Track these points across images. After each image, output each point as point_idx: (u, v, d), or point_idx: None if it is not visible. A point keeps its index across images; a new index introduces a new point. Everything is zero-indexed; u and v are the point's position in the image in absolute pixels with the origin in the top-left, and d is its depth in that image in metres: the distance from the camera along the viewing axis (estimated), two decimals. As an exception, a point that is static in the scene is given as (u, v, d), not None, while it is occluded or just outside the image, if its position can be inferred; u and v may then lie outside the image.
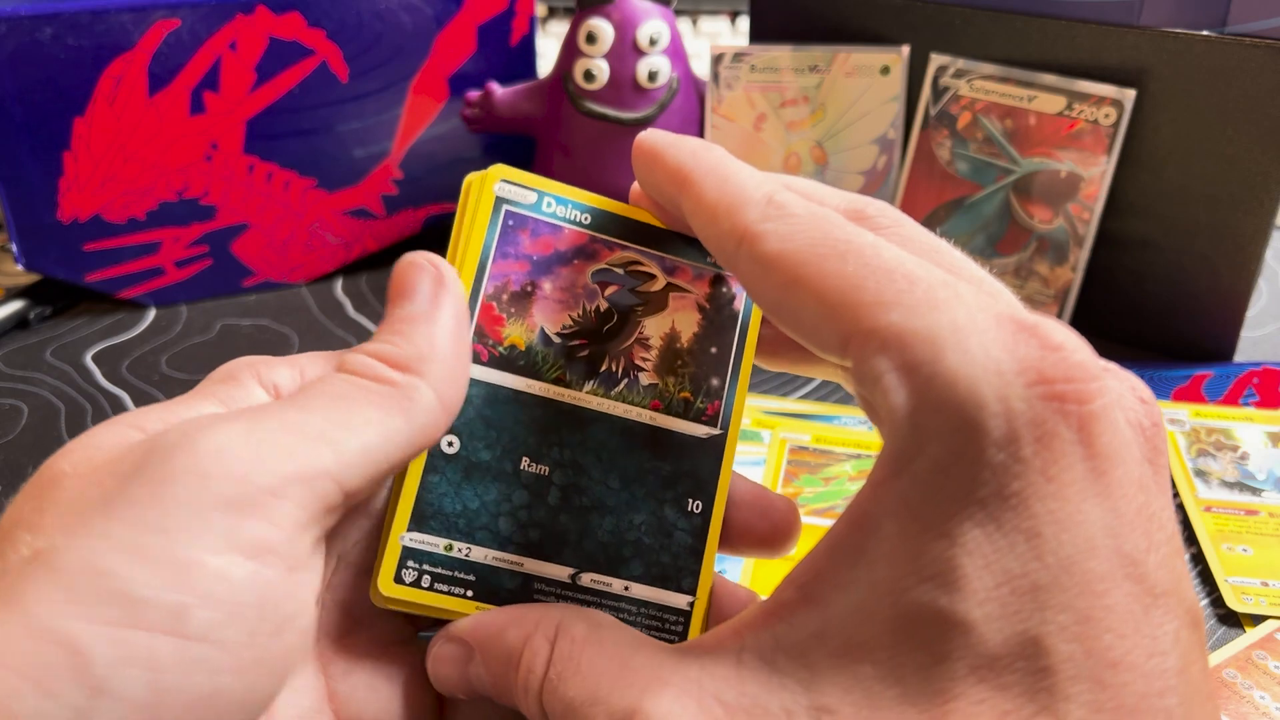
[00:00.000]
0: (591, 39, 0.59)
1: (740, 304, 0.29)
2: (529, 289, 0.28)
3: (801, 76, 0.59)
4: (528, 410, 0.27)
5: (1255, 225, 0.52)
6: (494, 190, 0.27)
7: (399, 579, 0.26)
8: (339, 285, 0.62)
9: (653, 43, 0.59)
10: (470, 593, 0.26)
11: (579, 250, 0.28)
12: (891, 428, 0.20)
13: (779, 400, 0.52)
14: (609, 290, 0.28)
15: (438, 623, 0.27)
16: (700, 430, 0.28)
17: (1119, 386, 0.21)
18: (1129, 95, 0.52)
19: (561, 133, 0.61)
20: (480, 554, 0.26)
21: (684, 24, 0.90)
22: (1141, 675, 0.19)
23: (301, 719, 0.25)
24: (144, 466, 0.21)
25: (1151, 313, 0.56)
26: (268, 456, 0.22)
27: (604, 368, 0.28)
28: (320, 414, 0.23)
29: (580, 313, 0.28)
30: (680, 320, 0.28)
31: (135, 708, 0.19)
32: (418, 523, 0.26)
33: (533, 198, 0.28)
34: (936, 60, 0.56)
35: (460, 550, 0.26)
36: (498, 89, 0.62)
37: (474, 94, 0.62)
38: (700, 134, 0.61)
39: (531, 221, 0.28)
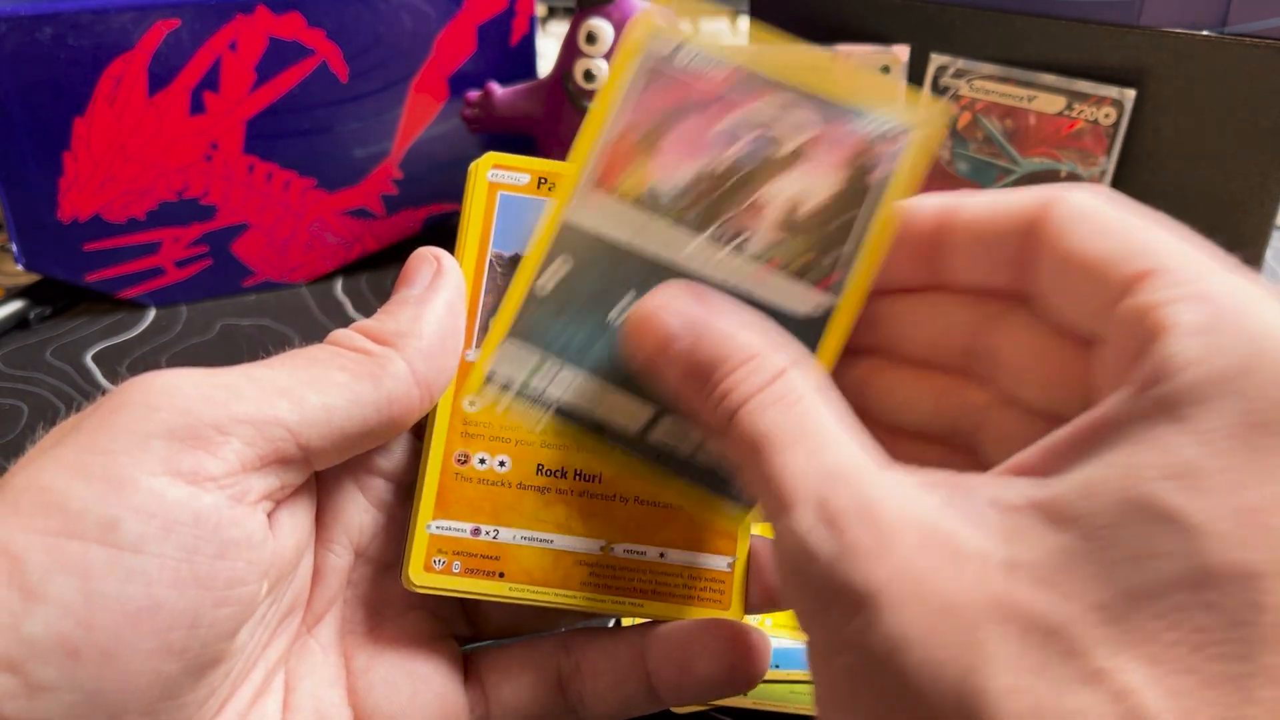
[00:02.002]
0: (591, 39, 0.59)
1: (877, 175, 0.26)
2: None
3: (801, 76, 0.58)
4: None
5: (1255, 225, 0.52)
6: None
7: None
8: (339, 285, 0.62)
9: (653, 43, 0.59)
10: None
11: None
12: (1164, 344, 0.19)
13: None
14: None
15: (475, 631, 0.28)
16: (808, 302, 0.26)
17: None
18: (1129, 95, 0.52)
19: (561, 132, 0.61)
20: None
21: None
22: None
23: (319, 711, 0.26)
24: (102, 403, 0.22)
25: (1151, 313, 0.56)
26: (219, 398, 0.23)
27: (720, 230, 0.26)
28: (285, 371, 0.24)
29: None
30: (809, 185, 0.26)
31: (69, 612, 0.20)
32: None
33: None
34: (936, 60, 0.56)
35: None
36: (497, 89, 0.62)
37: (474, 94, 0.62)
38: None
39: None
